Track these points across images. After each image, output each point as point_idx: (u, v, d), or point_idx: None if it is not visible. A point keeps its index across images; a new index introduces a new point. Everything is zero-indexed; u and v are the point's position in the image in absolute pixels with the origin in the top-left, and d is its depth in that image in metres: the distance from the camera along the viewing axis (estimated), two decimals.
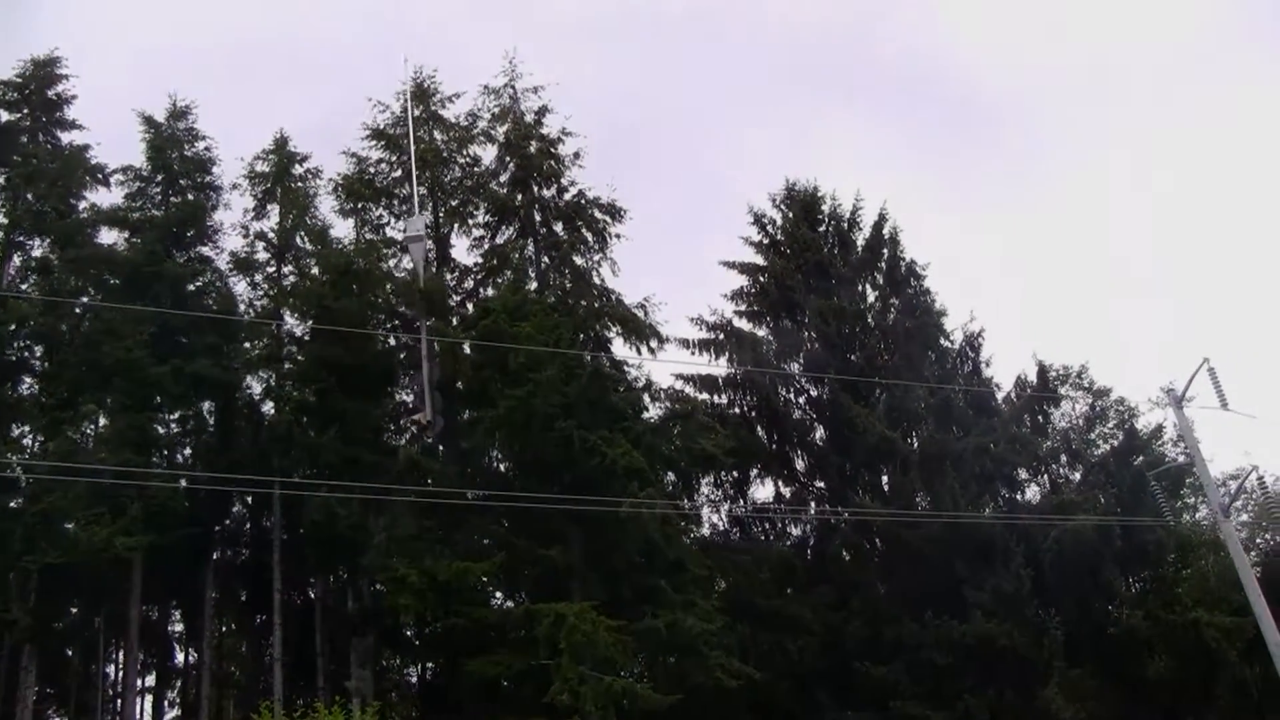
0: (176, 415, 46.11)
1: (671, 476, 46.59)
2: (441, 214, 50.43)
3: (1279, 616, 33.62)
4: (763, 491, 53.74)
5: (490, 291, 48.19)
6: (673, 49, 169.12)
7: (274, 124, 58.21)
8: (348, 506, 39.81)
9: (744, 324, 54.43)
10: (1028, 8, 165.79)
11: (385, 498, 37.92)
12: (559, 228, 48.89)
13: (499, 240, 49.87)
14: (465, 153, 52.65)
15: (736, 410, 52.56)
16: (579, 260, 48.14)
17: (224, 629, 54.09)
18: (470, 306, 48.73)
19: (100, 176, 47.95)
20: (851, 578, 48.38)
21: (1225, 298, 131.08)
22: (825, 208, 56.67)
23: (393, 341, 47.81)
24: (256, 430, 46.46)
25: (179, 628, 52.26)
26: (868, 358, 51.93)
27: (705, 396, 51.25)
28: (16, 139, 47.65)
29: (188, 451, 47.73)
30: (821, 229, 56.33)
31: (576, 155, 49.63)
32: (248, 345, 47.44)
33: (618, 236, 48.48)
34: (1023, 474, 50.97)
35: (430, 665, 49.78)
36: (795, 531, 52.92)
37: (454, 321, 47.08)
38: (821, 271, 54.21)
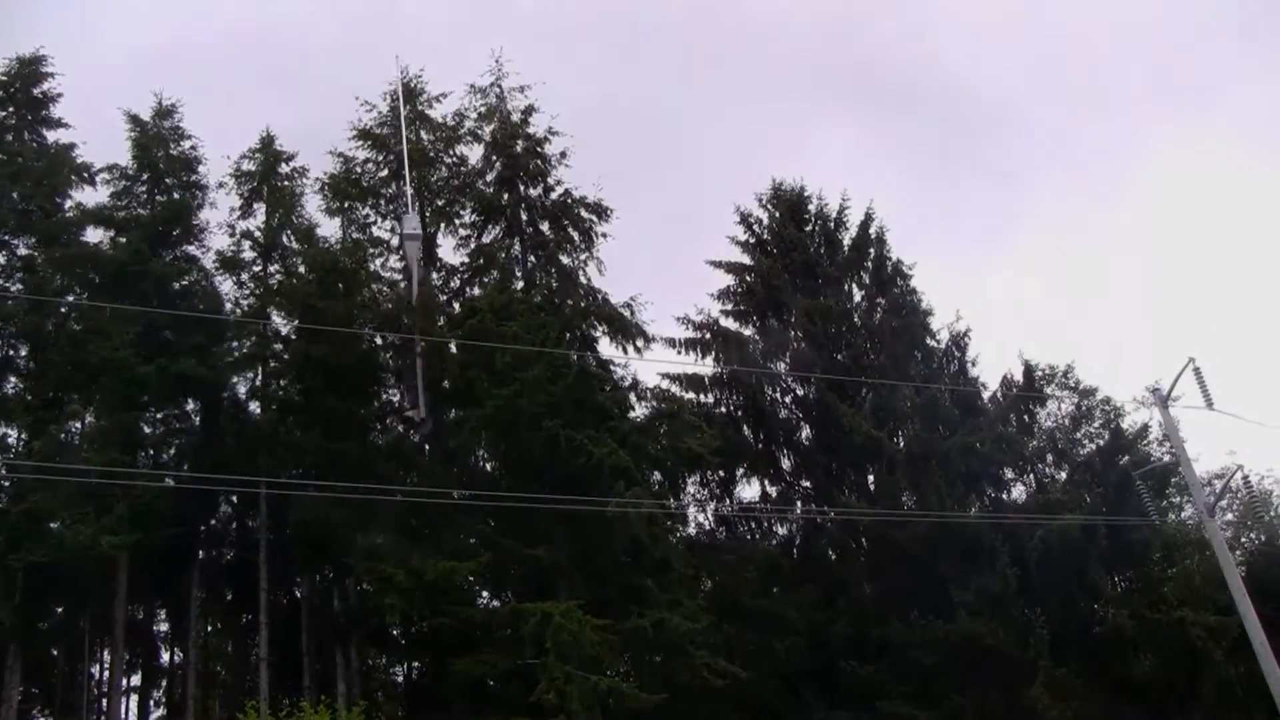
0: (162, 414, 45.99)
1: (658, 476, 46.47)
2: (428, 214, 50.44)
3: (1264, 616, 33.75)
4: (749, 491, 53.75)
5: (476, 291, 48.26)
6: (662, 49, 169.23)
7: (259, 123, 57.84)
8: (334, 506, 39.72)
9: (730, 323, 54.49)
10: (1016, 12, 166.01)
11: (372, 497, 37.87)
12: (545, 227, 48.88)
13: (485, 240, 49.96)
14: (452, 152, 52.83)
15: (723, 410, 52.47)
16: (565, 259, 48.08)
17: (210, 628, 53.84)
18: (457, 306, 48.73)
19: (86, 175, 47.66)
20: (837, 577, 48.40)
21: (1211, 298, 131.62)
22: (812, 208, 56.73)
23: (379, 340, 47.76)
24: (242, 430, 46.32)
25: (164, 627, 51.95)
26: (854, 357, 51.91)
27: (691, 396, 51.23)
28: (2, 137, 47.42)
29: (173, 451, 47.64)
30: (808, 229, 56.35)
31: (563, 155, 49.66)
32: (235, 344, 47.29)
33: (604, 236, 48.54)
34: (1009, 473, 51.04)
35: (416, 665, 49.67)
36: (781, 531, 52.93)
37: (440, 321, 47.05)
38: (808, 271, 54.28)
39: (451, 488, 42.78)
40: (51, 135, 48.44)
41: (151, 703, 52.06)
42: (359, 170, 50.70)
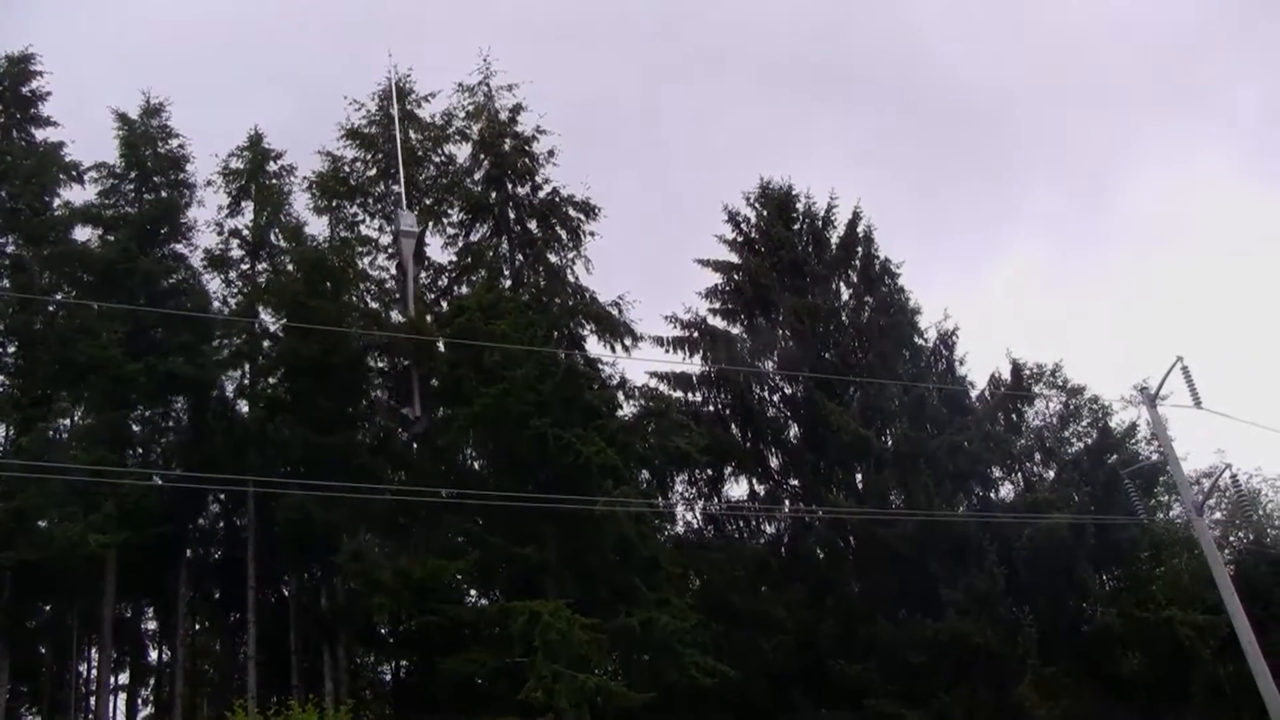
0: (150, 413, 45.93)
1: (646, 474, 46.61)
2: (416, 212, 50.38)
3: (1252, 615, 33.89)
4: (737, 489, 53.82)
5: (464, 289, 48.24)
6: (653, 48, 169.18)
7: (247, 123, 57.85)
8: (323, 504, 39.68)
9: (718, 322, 54.47)
10: (1012, 11, 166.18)
11: (360, 496, 37.86)
12: (533, 225, 48.98)
13: (473, 238, 49.97)
14: (440, 151, 52.86)
15: (711, 408, 52.52)
16: (553, 258, 48.15)
17: (198, 627, 53.85)
18: (444, 304, 48.72)
19: (74, 173, 47.65)
20: (826, 576, 48.40)
21: (1199, 297, 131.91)
22: (800, 206, 56.67)
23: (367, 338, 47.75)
24: (230, 428, 46.23)
25: (153, 625, 52.00)
26: (842, 356, 51.90)
27: (680, 394, 51.15)
28: None
29: (161, 449, 47.55)
30: (796, 227, 56.35)
31: (551, 153, 49.70)
32: (222, 342, 47.20)
33: (592, 234, 48.62)
34: (996, 472, 50.98)
35: (404, 663, 49.63)
36: (769, 529, 53.00)
37: (429, 319, 47.03)
38: (796, 270, 54.31)
39: (440, 486, 42.74)
40: (40, 133, 48.45)
41: (139, 701, 52.20)
42: (347, 169, 50.72)
